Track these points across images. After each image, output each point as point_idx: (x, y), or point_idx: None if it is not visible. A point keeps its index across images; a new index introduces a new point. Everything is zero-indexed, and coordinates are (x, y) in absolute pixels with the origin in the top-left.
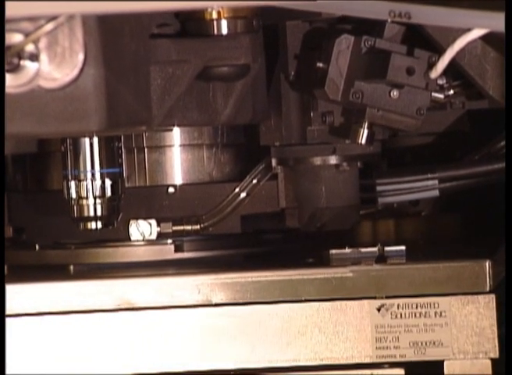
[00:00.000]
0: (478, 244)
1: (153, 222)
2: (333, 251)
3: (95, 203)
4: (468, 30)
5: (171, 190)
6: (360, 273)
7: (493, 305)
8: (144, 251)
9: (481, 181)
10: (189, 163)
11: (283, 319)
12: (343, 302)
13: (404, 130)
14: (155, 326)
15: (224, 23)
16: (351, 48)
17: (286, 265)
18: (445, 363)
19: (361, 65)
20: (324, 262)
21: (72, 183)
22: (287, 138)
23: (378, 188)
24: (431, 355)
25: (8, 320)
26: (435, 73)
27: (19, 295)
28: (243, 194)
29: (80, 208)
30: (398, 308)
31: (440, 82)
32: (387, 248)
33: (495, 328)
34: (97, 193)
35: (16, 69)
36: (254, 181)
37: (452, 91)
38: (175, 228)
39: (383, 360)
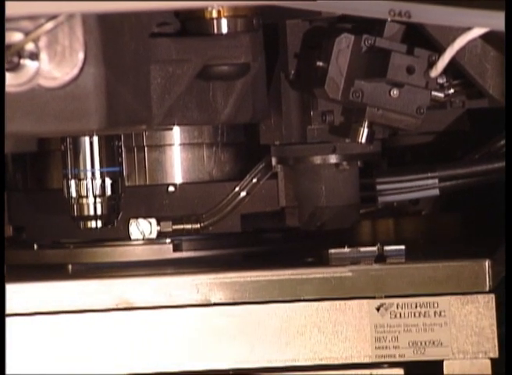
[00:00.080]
0: (478, 244)
1: (153, 221)
2: (332, 251)
3: (95, 202)
4: (468, 29)
5: (171, 189)
6: (360, 273)
7: (493, 304)
8: (143, 250)
9: (481, 180)
10: (189, 162)
11: (282, 319)
12: (343, 302)
13: (404, 129)
14: (154, 325)
15: (224, 22)
16: (351, 47)
17: (285, 264)
18: (444, 363)
19: (361, 64)
20: (323, 261)
21: (73, 182)
22: (287, 137)
23: (378, 187)
24: (430, 354)
25: (6, 320)
26: (435, 72)
27: (17, 295)
28: (243, 193)
29: (80, 207)
30: (397, 307)
31: (440, 81)
32: (386, 248)
33: (494, 328)
34: (97, 192)
35: (16, 68)
36: (254, 180)
37: (452, 90)
38: (175, 227)
39: (382, 360)
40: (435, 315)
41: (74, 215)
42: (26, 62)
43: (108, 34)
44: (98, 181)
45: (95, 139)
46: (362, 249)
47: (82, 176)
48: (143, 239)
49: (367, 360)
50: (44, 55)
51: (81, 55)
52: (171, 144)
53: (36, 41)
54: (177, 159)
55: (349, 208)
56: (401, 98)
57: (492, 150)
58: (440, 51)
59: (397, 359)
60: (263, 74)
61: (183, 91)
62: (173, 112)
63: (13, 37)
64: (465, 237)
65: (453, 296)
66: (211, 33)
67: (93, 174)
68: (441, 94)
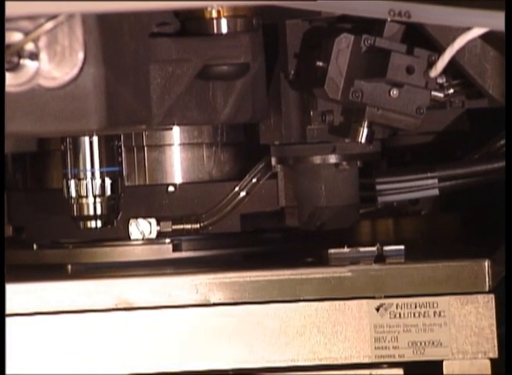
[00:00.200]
0: (478, 244)
1: (153, 221)
2: (332, 251)
3: (95, 202)
4: (468, 29)
5: (171, 189)
6: (359, 273)
7: (492, 304)
8: (142, 250)
9: (480, 180)
10: (188, 162)
11: (282, 319)
12: (342, 302)
13: (404, 129)
14: (153, 325)
15: (224, 22)
16: (351, 47)
17: (285, 264)
18: (444, 363)
19: (361, 64)
20: (322, 261)
21: (72, 182)
22: (287, 137)
23: (378, 187)
24: (430, 355)
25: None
26: (434, 72)
27: (16, 295)
28: (242, 193)
29: (80, 207)
30: (397, 307)
31: (440, 81)
32: (386, 248)
33: (494, 328)
34: (97, 192)
35: (16, 68)
36: (254, 180)
37: (451, 90)
38: (174, 227)
39: (382, 360)
40: (434, 315)
41: (74, 215)
42: (25, 62)
43: (108, 34)
44: (98, 181)
45: (95, 139)
46: (362, 249)
47: (82, 176)
48: (142, 239)
49: (366, 360)
50: (43, 55)
51: (81, 55)
52: (171, 144)
53: (36, 40)
54: (177, 159)
55: (348, 208)
56: (401, 98)
57: (492, 150)
58: (440, 51)
59: (397, 359)
60: (263, 74)
61: (183, 91)
62: (173, 112)
63: (13, 37)
64: (465, 237)
65: (453, 296)
66: (210, 33)
67: (92, 174)
68: (441, 94)
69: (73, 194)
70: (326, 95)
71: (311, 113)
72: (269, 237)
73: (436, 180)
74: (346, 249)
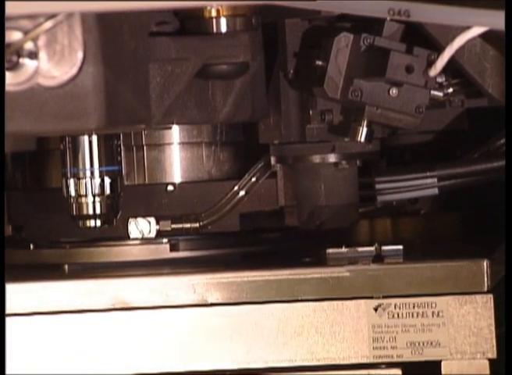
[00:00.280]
0: (477, 243)
1: (152, 220)
2: (330, 251)
3: (94, 201)
4: (467, 28)
5: (170, 188)
6: (357, 273)
7: (491, 305)
8: (140, 250)
9: (480, 179)
10: (188, 161)
11: (279, 319)
12: (340, 302)
13: (403, 128)
14: (150, 326)
15: (223, 21)
16: (350, 46)
17: (283, 264)
18: (442, 363)
19: (360, 63)
20: (321, 261)
21: (72, 182)
22: (286, 136)
23: (377, 186)
24: (428, 355)
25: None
26: (434, 71)
27: (13, 295)
28: (242, 193)
29: (79, 206)
30: (395, 308)
31: (439, 80)
32: (384, 248)
33: (492, 328)
34: (96, 191)
35: (15, 67)
36: (253, 179)
37: (451, 89)
38: (174, 226)
39: (380, 360)
40: (433, 315)
41: (73, 214)
42: (25, 61)
43: (107, 33)
44: (97, 180)
45: (94, 138)
46: (360, 249)
47: (81, 175)
48: (142, 238)
49: (364, 360)
50: (43, 54)
51: (80, 54)
52: (170, 143)
53: (35, 40)
54: (176, 158)
55: (348, 207)
56: (400, 97)
57: (492, 149)
58: (439, 50)
59: (395, 360)
60: (262, 73)
61: (182, 90)
62: (172, 111)
63: (12, 36)
64: (464, 236)
65: (451, 296)
66: (210, 32)
67: (92, 173)
68: (440, 94)
69: (73, 193)
70: (325, 94)
71: (311, 112)
72: (267, 237)
73: (436, 180)
74: (344, 249)
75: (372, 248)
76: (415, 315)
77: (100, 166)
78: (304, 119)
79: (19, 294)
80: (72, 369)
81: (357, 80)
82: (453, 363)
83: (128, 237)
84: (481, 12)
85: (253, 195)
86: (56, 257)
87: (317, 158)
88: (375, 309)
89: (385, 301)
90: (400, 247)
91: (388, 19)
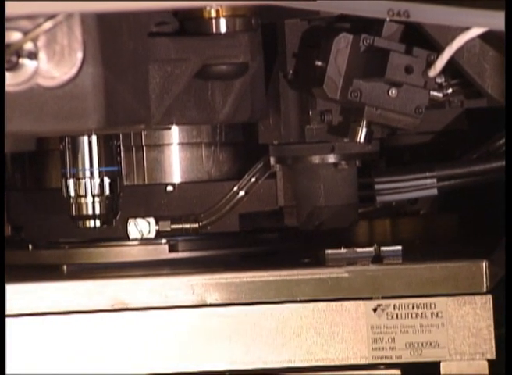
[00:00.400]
0: (476, 244)
1: (151, 220)
2: (329, 251)
3: (94, 201)
4: (467, 28)
5: (169, 188)
6: (356, 274)
7: (490, 305)
8: (138, 250)
9: (479, 180)
10: (187, 162)
11: (278, 320)
12: (339, 303)
13: (403, 128)
14: (149, 326)
15: (222, 22)
16: (350, 47)
17: (282, 265)
18: (441, 364)
19: (360, 63)
20: (319, 262)
21: (71, 182)
22: (286, 137)
23: (377, 187)
24: (427, 356)
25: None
26: (433, 72)
27: (11, 295)
28: (241, 193)
29: (79, 206)
30: (394, 308)
31: (439, 81)
32: (383, 248)
33: (491, 329)
34: (96, 191)
35: (15, 67)
36: (253, 180)
37: (450, 90)
38: (173, 226)
39: (379, 361)
40: (431, 316)
41: (73, 214)
42: (24, 61)
43: (107, 34)
44: (97, 181)
45: (94, 138)
46: (359, 250)
47: (80, 175)
48: (141, 238)
49: (363, 361)
50: (42, 55)
51: (80, 55)
52: (169, 144)
53: (35, 40)
54: (176, 159)
55: (347, 207)
56: (400, 97)
57: (491, 150)
58: (439, 50)
59: (394, 361)
60: (261, 74)
61: (182, 91)
62: (172, 112)
63: (12, 36)
64: (463, 237)
65: (450, 297)
66: (209, 32)
67: (91, 173)
68: (439, 94)
69: (72, 193)
70: (325, 95)
71: (310, 113)
72: (266, 238)
73: (435, 180)
74: (343, 250)
75: (371, 249)
76: (414, 315)
77: (99, 166)
78: (303, 120)
79: (17, 295)
80: (71, 369)
81: (357, 80)
82: (452, 364)
83: (127, 238)
84: (481, 13)
85: (252, 196)
86: (55, 257)
87: (316, 159)
88: (374, 310)
89: (384, 302)
90: (399, 247)
91: (387, 19)
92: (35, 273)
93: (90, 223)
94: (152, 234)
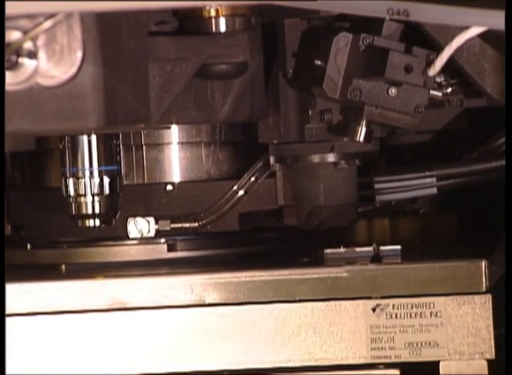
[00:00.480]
0: (476, 243)
1: (151, 219)
2: (328, 251)
3: (93, 201)
4: (466, 27)
5: (169, 187)
6: (355, 273)
7: (489, 305)
8: (137, 250)
9: (479, 179)
10: (187, 161)
11: (277, 320)
12: (338, 302)
13: (402, 127)
14: (148, 326)
15: (222, 21)
16: (349, 46)
17: (281, 265)
18: (440, 364)
19: (359, 63)
20: (318, 261)
21: (71, 181)
22: (285, 136)
23: (376, 186)
24: (426, 355)
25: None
26: (433, 71)
27: (10, 295)
28: (241, 192)
29: (78, 205)
30: (393, 308)
31: (438, 80)
32: (382, 248)
33: (491, 329)
34: (96, 190)
35: (14, 66)
36: (252, 179)
37: (450, 89)
38: (173, 226)
39: (378, 361)
40: (431, 315)
41: (72, 213)
42: (24, 60)
43: (107, 33)
44: (96, 180)
45: (93, 138)
46: (358, 249)
47: (80, 174)
48: (141, 238)
49: (362, 361)
50: (42, 54)
51: (79, 54)
52: (169, 143)
53: (34, 39)
54: (175, 158)
55: (347, 206)
56: (399, 96)
57: (490, 149)
58: (438, 50)
59: (393, 360)
60: (261, 73)
61: (182, 90)
62: (171, 111)
63: (12, 35)
64: (463, 236)
65: (450, 296)
66: (209, 31)
67: (91, 173)
68: (439, 93)
69: (72, 192)
70: (325, 94)
71: (310, 112)
72: (265, 237)
73: (434, 179)
74: (342, 249)
75: (370, 248)
76: (413, 315)
77: (99, 165)
78: (303, 119)
79: (16, 295)
80: (69, 369)
81: (356, 79)
82: (451, 364)
83: (127, 237)
84: (480, 12)
85: (252, 195)
86: (53, 257)
87: (316, 158)
88: (373, 310)
89: (383, 302)
90: (398, 247)
91: (387, 18)
92: (33, 273)
93: (90, 223)
94: (152, 233)
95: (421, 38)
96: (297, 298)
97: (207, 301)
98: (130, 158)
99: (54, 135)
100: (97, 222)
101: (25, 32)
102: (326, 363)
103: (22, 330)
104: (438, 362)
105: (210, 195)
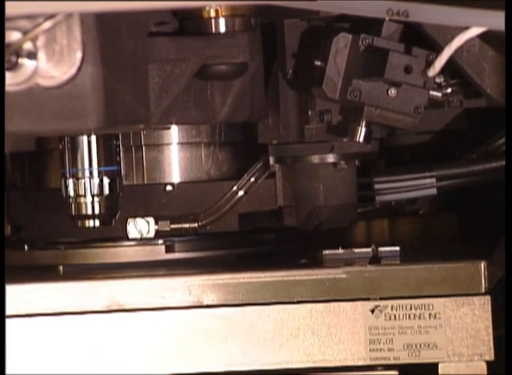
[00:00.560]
0: (476, 244)
1: (151, 220)
2: (326, 252)
3: (93, 201)
4: (466, 28)
5: (169, 188)
6: (354, 274)
7: (488, 306)
8: (135, 251)
9: (478, 180)
10: (187, 161)
11: (276, 321)
12: (337, 304)
13: (402, 128)
14: (146, 327)
15: (222, 22)
16: (349, 47)
17: (279, 266)
18: (439, 366)
19: (359, 63)
20: (317, 262)
21: (71, 182)
22: (285, 136)
23: (376, 186)
24: (425, 357)
25: None
26: (432, 72)
27: (7, 296)
28: (240, 193)
29: (78, 206)
30: (392, 309)
31: (438, 80)
32: (381, 249)
33: (490, 330)
34: (95, 191)
35: (14, 67)
36: (252, 179)
37: (450, 90)
38: (173, 226)
39: (377, 362)
40: (430, 317)
41: (72, 214)
42: (24, 61)
43: (106, 34)
44: (96, 180)
45: (93, 138)
46: (356, 250)
47: (80, 175)
48: (140, 238)
49: (361, 363)
50: (42, 55)
51: (79, 55)
52: (169, 144)
53: (34, 40)
54: (175, 158)
55: (346, 207)
56: (399, 97)
57: (490, 149)
58: (438, 50)
59: (392, 362)
60: (261, 73)
61: (181, 91)
62: (171, 112)
63: (11, 36)
64: (462, 237)
65: (449, 298)
66: (209, 32)
67: (91, 173)
68: (439, 94)
69: (71, 193)
70: (324, 95)
71: (309, 113)
72: (263, 238)
73: (434, 180)
74: (340, 250)
75: (369, 250)
76: (412, 317)
77: (99, 166)
78: (302, 120)
79: (13, 296)
80: (67, 370)
81: (356, 80)
82: (450, 365)
83: (127, 238)
84: (480, 13)
85: (252, 195)
86: (51, 258)
87: (315, 159)
88: (372, 311)
89: (381, 303)
90: (397, 248)
91: (387, 19)
92: (31, 274)
93: (90, 223)
94: (151, 234)
95: (420, 39)
96: (296, 300)
97: (205, 303)
98: (130, 158)
99: (54, 136)
100: (97, 222)
101: (25, 33)
102: (325, 365)
103: (19, 331)
104: (437, 364)
105: (210, 196)
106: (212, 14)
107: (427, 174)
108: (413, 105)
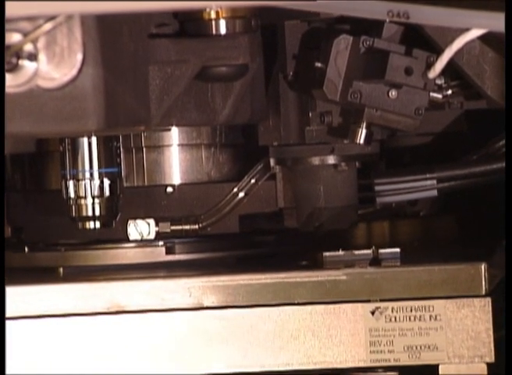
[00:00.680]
0: (476, 246)
1: (151, 222)
2: (327, 254)
3: (93, 203)
4: (467, 30)
5: (169, 190)
6: (354, 276)
7: (489, 308)
8: (135, 253)
9: (479, 181)
10: (187, 163)
11: (276, 323)
12: (337, 306)
13: (402, 130)
14: (146, 329)
15: (222, 23)
16: (350, 48)
17: (279, 267)
18: (440, 367)
19: (360, 65)
20: (317, 264)
21: (71, 183)
22: (285, 138)
23: (377, 188)
24: (425, 359)
25: None
26: (433, 73)
27: (7, 298)
28: (241, 194)
29: (79, 207)
30: (392, 311)
31: (438, 82)
32: (381, 251)
33: (490, 332)
34: (96, 193)
35: (15, 68)
36: (253, 181)
37: (450, 91)
38: (173, 228)
39: (377, 364)
40: (430, 319)
41: (72, 216)
42: (24, 62)
43: (107, 35)
44: (97, 182)
45: (94, 140)
46: (357, 252)
47: (80, 176)
48: (141, 240)
49: (361, 364)
50: (42, 56)
51: (79, 56)
52: (169, 145)
53: (34, 41)
54: (175, 160)
55: (347, 209)
56: (399, 99)
57: (491, 151)
58: (438, 52)
59: (392, 364)
60: (261, 75)
61: (182, 92)
62: (172, 113)
63: (12, 37)
64: (463, 238)
65: (449, 300)
66: (209, 34)
67: (91, 175)
68: (439, 95)
69: (72, 194)
70: (325, 96)
71: (310, 114)
72: (263, 240)
73: (435, 181)
74: (341, 252)
75: (369, 251)
76: (412, 318)
77: (99, 167)
78: (303, 121)
79: (13, 298)
80: (67, 372)
81: (357, 82)
82: (450, 367)
83: (127, 239)
84: (481, 14)
85: (252, 197)
86: (51, 260)
87: (316, 160)
88: (372, 313)
89: (382, 305)
90: (398, 250)
91: (387, 20)
92: (31, 276)
93: (90, 225)
94: (152, 236)
95: (421, 40)
96: (296, 301)
97: (205, 304)
98: (130, 160)
99: (54, 137)
100: (98, 224)
101: (25, 34)
102: (325, 367)
103: (19, 333)
104: (437, 366)
105: (210, 197)
106: (213, 16)
107: (427, 176)
108: (413, 106)
